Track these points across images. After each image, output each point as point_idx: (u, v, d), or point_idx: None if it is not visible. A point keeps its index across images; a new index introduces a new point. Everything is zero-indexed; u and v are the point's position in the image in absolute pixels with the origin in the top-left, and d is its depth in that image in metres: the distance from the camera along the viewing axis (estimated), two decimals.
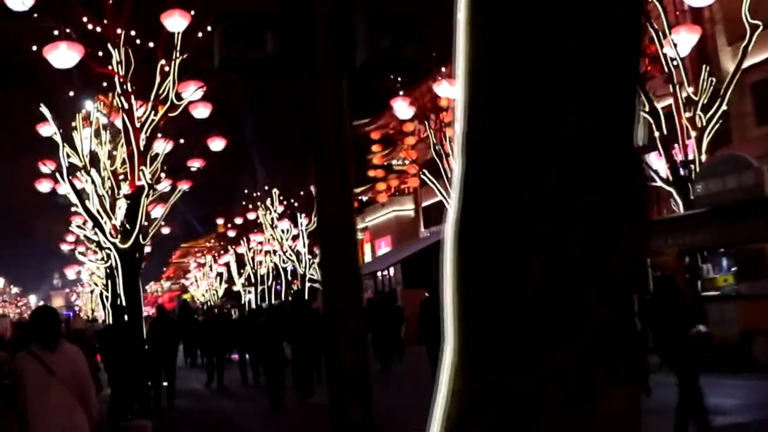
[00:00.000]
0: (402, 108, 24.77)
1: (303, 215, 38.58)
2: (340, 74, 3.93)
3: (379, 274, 33.55)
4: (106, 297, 29.04)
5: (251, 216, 44.05)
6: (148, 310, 36.05)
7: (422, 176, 27.27)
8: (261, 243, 45.10)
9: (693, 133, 17.65)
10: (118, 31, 17.15)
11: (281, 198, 41.31)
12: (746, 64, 17.55)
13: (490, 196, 1.63)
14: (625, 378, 1.60)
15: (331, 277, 3.94)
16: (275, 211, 40.80)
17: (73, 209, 24.64)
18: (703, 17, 21.38)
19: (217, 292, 61.34)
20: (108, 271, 24.09)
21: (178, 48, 17.30)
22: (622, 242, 1.60)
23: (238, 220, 47.65)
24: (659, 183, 17.81)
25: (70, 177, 18.75)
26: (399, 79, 24.60)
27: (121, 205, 18.62)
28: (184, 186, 21.10)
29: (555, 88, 1.59)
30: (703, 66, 18.16)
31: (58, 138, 18.18)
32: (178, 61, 17.45)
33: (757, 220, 13.55)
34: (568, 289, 1.57)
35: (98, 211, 18.44)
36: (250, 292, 51.76)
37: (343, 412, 3.81)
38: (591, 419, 1.56)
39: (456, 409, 1.63)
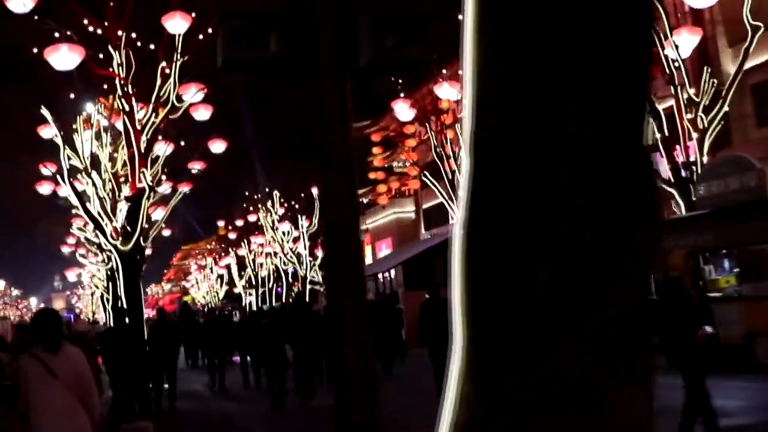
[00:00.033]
0: (403, 110, 24.77)
1: (304, 217, 38.61)
2: (343, 74, 3.92)
3: (380, 276, 33.50)
4: (107, 299, 29.01)
5: (252, 218, 44.13)
6: (148, 312, 36.01)
7: (423, 178, 27.26)
8: (262, 245, 45.11)
9: (695, 135, 17.66)
10: (119, 33, 17.16)
11: (282, 200, 41.34)
12: (747, 65, 17.57)
13: (498, 196, 1.62)
14: (642, 380, 1.59)
15: (335, 277, 3.92)
16: (276, 213, 40.83)
17: (73, 211, 24.67)
18: (704, 19, 21.41)
19: (217, 294, 61.37)
20: (109, 273, 24.12)
21: (179, 50, 17.31)
22: (634, 242, 1.58)
23: (239, 222, 47.76)
24: (661, 184, 17.80)
25: (71, 179, 18.76)
26: (400, 80, 24.59)
27: (122, 208, 18.62)
28: (184, 188, 21.10)
29: (560, 88, 1.58)
30: (705, 67, 18.19)
31: (59, 140, 18.19)
32: (178, 63, 17.47)
33: (760, 222, 13.52)
34: (579, 290, 1.55)
35: (99, 214, 18.44)
36: (251, 294, 51.76)
37: (347, 412, 3.79)
38: (607, 421, 1.54)
39: (465, 414, 1.61)
